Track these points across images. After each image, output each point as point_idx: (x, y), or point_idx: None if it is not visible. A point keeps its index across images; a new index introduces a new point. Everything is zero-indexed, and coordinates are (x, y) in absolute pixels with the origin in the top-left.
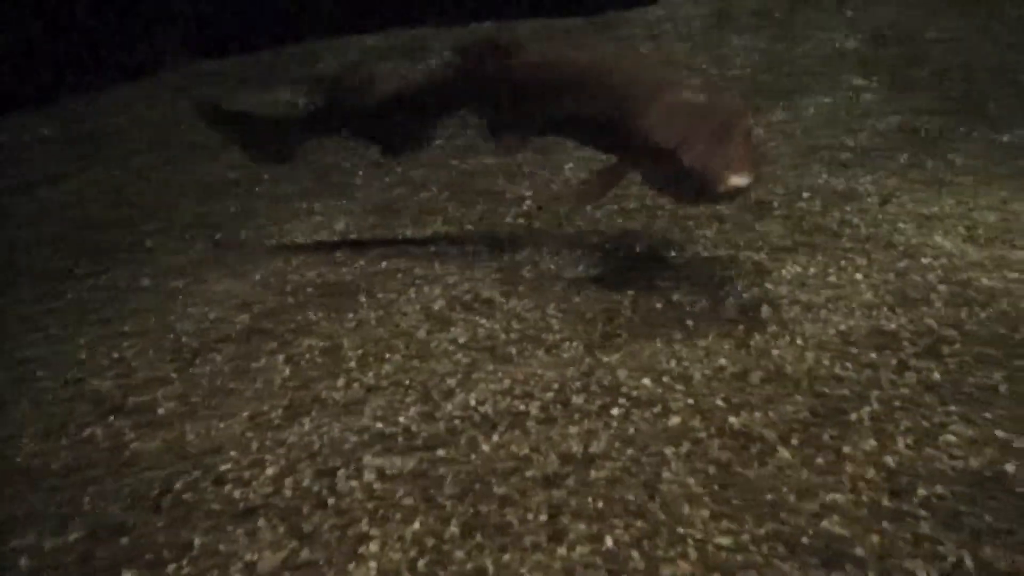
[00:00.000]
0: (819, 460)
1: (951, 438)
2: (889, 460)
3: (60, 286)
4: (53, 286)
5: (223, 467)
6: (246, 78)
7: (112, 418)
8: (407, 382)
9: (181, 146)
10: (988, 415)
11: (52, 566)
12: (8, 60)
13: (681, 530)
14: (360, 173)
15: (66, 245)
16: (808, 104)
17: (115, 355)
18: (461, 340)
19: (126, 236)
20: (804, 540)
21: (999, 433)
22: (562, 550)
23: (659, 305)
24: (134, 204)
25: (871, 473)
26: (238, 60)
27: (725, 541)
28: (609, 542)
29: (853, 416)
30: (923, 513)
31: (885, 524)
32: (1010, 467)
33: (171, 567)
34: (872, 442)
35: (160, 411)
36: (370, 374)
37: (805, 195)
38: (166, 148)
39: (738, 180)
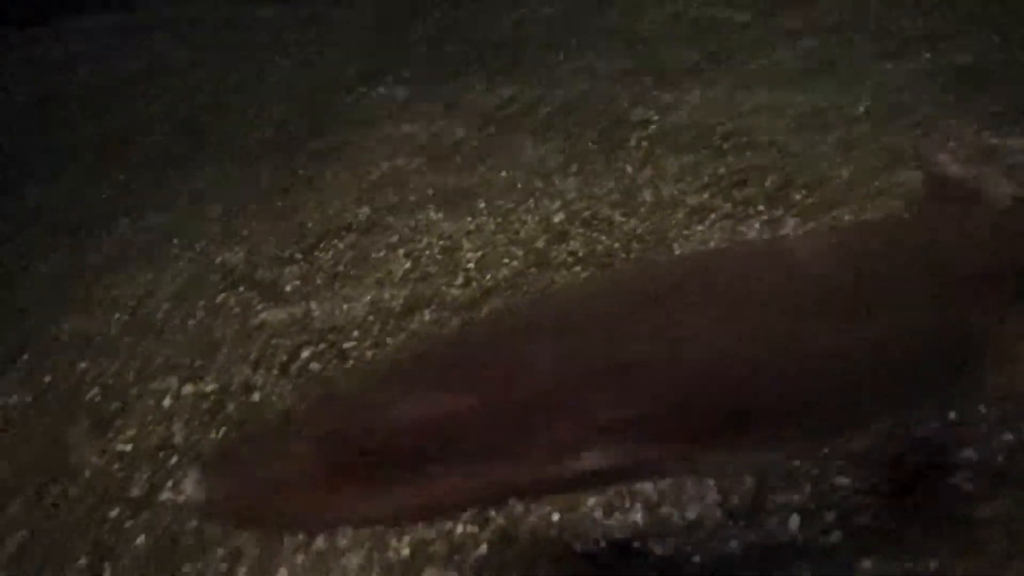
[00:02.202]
0: None
1: None
2: None
3: (182, 169)
4: (174, 169)
5: (347, 344)
6: None
7: (241, 288)
8: (524, 287)
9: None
10: None
11: (190, 405)
12: None
13: None
14: (477, 85)
15: (184, 131)
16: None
17: (244, 232)
18: (580, 254)
19: (238, 127)
20: None
21: None
22: None
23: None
24: (251, 101)
25: None
26: None
27: None
28: None
29: None
30: None
31: None
32: None
33: None
34: None
35: (287, 288)
36: (488, 276)
37: None
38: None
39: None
